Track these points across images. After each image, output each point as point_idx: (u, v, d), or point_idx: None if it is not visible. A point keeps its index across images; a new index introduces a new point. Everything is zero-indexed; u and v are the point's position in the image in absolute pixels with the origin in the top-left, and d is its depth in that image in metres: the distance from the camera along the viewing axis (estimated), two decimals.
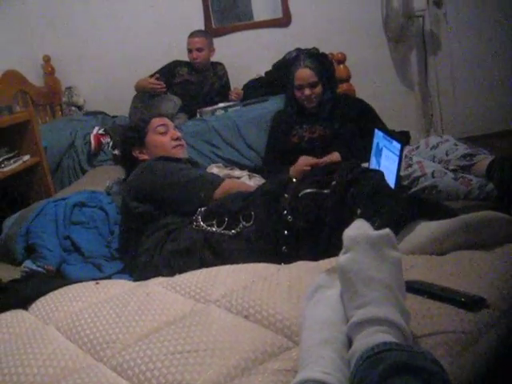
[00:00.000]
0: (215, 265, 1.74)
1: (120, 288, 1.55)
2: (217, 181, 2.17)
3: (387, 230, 1.11)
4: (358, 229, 1.14)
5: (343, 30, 4.11)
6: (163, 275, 1.74)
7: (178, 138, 2.40)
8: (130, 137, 2.41)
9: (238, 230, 1.87)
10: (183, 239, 1.92)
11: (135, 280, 1.92)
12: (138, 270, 1.96)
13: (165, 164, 2.22)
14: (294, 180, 1.91)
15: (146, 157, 2.35)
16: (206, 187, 2.12)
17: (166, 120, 2.45)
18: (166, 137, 2.37)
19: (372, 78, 4.04)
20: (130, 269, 2.07)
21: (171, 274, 1.71)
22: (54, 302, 1.51)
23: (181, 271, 1.74)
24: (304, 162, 2.71)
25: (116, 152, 3.20)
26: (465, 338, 1.04)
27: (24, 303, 1.55)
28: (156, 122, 2.41)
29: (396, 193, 1.76)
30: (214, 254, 1.84)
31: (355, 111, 2.99)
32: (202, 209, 2.01)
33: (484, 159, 2.44)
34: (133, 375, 1.11)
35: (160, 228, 2.03)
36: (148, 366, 1.11)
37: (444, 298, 1.15)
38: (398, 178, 2.25)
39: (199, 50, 3.74)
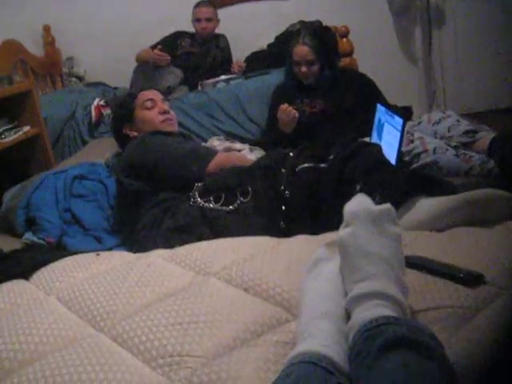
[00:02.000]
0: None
1: (121, 259, 1.56)
2: (210, 154, 2.13)
3: (388, 205, 1.11)
4: (358, 203, 1.14)
5: (347, 2, 4.07)
6: None
7: (165, 112, 2.33)
8: (119, 114, 2.39)
9: (236, 205, 1.86)
10: (181, 216, 1.91)
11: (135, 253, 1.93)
12: (137, 246, 1.93)
13: (155, 139, 2.18)
14: (291, 154, 1.90)
15: (135, 133, 2.31)
16: (198, 161, 2.08)
17: (153, 93, 2.39)
18: (154, 111, 2.31)
19: (375, 52, 4.01)
20: (129, 245, 2.05)
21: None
22: (54, 273, 1.52)
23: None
24: (281, 113, 2.74)
25: None
26: (462, 313, 1.05)
27: (25, 273, 1.56)
28: (143, 96, 2.35)
29: (396, 168, 1.75)
30: (212, 230, 1.83)
31: (357, 85, 2.97)
32: (199, 184, 1.99)
33: (486, 136, 2.44)
34: (132, 345, 1.12)
35: (156, 204, 2.02)
36: (148, 337, 1.12)
37: (442, 274, 1.16)
38: (400, 153, 2.25)
39: (208, 19, 3.71)
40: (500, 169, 2.27)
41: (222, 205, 1.87)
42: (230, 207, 1.86)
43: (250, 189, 1.86)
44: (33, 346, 1.17)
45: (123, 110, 2.36)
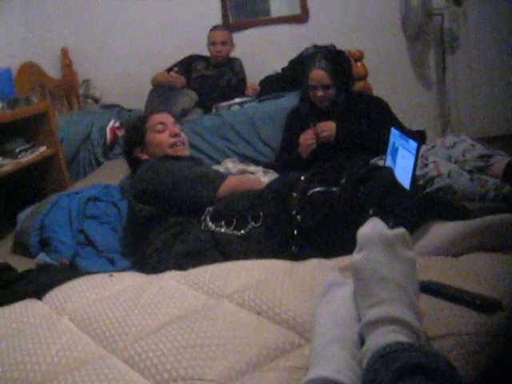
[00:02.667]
0: None
1: (133, 281, 1.56)
2: (220, 178, 2.12)
3: (402, 230, 1.10)
4: (372, 227, 1.13)
5: (361, 27, 4.09)
6: None
7: (176, 135, 2.31)
8: (130, 136, 2.37)
9: (247, 230, 1.85)
10: (192, 240, 1.90)
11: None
12: (149, 269, 1.92)
13: (166, 163, 2.17)
14: (302, 178, 1.89)
15: (146, 157, 2.30)
16: (208, 185, 2.07)
17: (164, 116, 2.38)
18: (164, 134, 2.30)
19: (389, 76, 4.02)
20: (141, 268, 2.03)
21: None
22: (67, 293, 1.52)
23: None
24: (303, 138, 2.75)
25: None
26: (479, 340, 1.03)
27: (38, 293, 1.56)
28: (154, 119, 2.34)
29: (410, 192, 1.74)
30: (224, 255, 1.82)
31: (371, 108, 2.97)
32: (210, 208, 1.98)
33: (501, 160, 2.42)
34: (144, 368, 1.11)
35: (167, 229, 2.01)
36: (160, 360, 1.11)
37: (458, 300, 1.14)
38: (414, 177, 2.24)
39: (223, 43, 3.75)
40: None
41: (233, 229, 1.86)
42: (242, 232, 1.85)
43: (261, 213, 1.85)
44: (44, 367, 1.17)
45: (134, 132, 2.35)
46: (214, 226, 1.89)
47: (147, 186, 2.09)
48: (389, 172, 1.76)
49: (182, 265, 1.80)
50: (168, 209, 2.05)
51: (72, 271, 1.78)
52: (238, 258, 1.72)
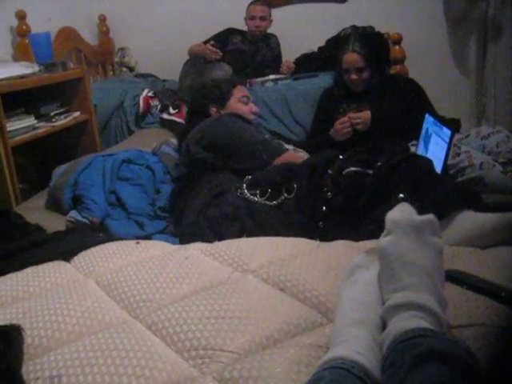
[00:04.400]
0: (255, 233, 1.83)
1: (160, 249, 1.58)
2: (280, 149, 2.29)
3: (431, 216, 1.09)
4: (401, 212, 1.13)
5: (401, 9, 4.00)
6: (206, 236, 1.88)
7: (255, 113, 2.55)
8: (213, 93, 2.52)
9: (280, 201, 1.92)
10: (227, 205, 1.99)
11: (179, 237, 2.09)
12: (184, 229, 2.07)
13: (239, 120, 2.33)
14: (341, 157, 1.90)
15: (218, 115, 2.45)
16: (270, 151, 2.23)
17: (247, 92, 2.60)
18: (247, 108, 2.51)
19: (427, 61, 3.94)
20: (176, 227, 2.18)
21: (214, 236, 1.85)
22: (95, 257, 1.55)
23: (223, 235, 1.86)
24: (339, 125, 2.77)
25: (164, 115, 3.23)
26: (501, 332, 1.03)
27: (66, 255, 1.59)
28: (241, 90, 2.56)
29: (442, 180, 1.73)
30: (254, 222, 1.90)
31: (405, 91, 2.93)
32: (249, 177, 2.07)
33: None
34: (166, 335, 1.13)
35: (206, 190, 2.11)
36: (182, 328, 1.13)
37: (484, 291, 1.13)
38: (446, 165, 2.22)
39: (262, 18, 3.72)
40: None
41: (266, 199, 1.94)
42: (274, 202, 1.92)
43: (295, 186, 1.91)
44: (70, 327, 1.20)
45: (219, 91, 2.51)
46: (248, 194, 1.98)
47: (214, 133, 2.25)
48: (428, 162, 1.76)
49: (215, 226, 1.95)
50: (223, 161, 2.21)
51: (100, 235, 1.80)
52: (267, 227, 1.84)
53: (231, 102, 2.50)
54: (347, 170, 1.81)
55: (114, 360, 1.03)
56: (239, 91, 2.54)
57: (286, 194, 1.92)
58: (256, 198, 1.95)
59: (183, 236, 2.09)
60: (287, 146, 2.66)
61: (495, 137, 2.53)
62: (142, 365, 1.02)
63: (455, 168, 2.37)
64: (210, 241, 1.88)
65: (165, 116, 3.25)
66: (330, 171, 1.87)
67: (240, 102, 2.51)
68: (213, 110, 2.49)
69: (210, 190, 2.10)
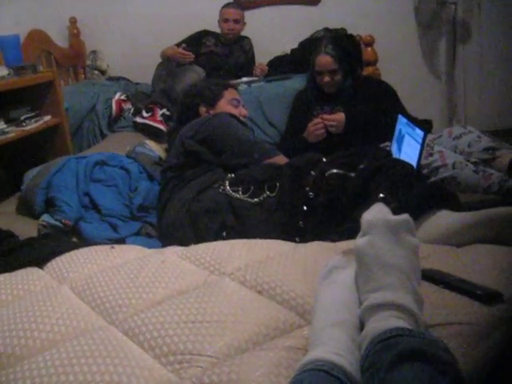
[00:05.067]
0: (235, 229, 1.87)
1: (135, 254, 1.56)
2: (273, 152, 2.31)
3: (406, 216, 1.10)
4: (376, 213, 1.13)
5: (373, 12, 4.04)
6: (186, 231, 1.92)
7: (245, 116, 2.56)
8: (204, 94, 2.54)
9: (261, 199, 1.94)
10: (208, 200, 2.01)
11: (159, 231, 2.14)
12: (165, 221, 2.10)
13: (231, 120, 2.36)
14: (324, 160, 1.92)
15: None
16: (262, 152, 2.25)
17: (238, 95, 2.63)
18: (236, 110, 2.52)
19: (399, 63, 3.98)
20: (158, 219, 2.21)
21: (194, 231, 1.90)
22: (68, 263, 1.52)
23: (203, 230, 1.91)
24: (312, 126, 2.77)
25: (137, 119, 3.21)
26: (478, 330, 1.03)
27: (39, 261, 1.56)
28: (232, 93, 2.59)
29: (422, 181, 1.75)
30: (236, 218, 1.92)
31: (378, 93, 2.95)
32: (231, 175, 2.09)
33: (506, 154, 2.42)
34: (144, 340, 1.12)
35: (193, 185, 2.12)
36: (159, 333, 1.12)
37: (460, 289, 1.15)
38: (419, 166, 2.24)
39: (236, 21, 3.72)
40: None
41: (248, 196, 1.95)
42: (256, 199, 1.94)
43: (277, 184, 1.93)
44: (44, 335, 1.17)
45: (210, 92, 2.54)
46: (230, 191, 1.99)
47: (209, 128, 2.27)
48: (409, 166, 1.79)
49: (195, 221, 1.96)
50: (214, 156, 2.23)
51: (73, 241, 1.78)
52: (248, 224, 1.87)
53: (221, 103, 2.52)
54: (330, 172, 1.83)
55: (91, 367, 1.01)
56: (230, 94, 2.57)
57: (268, 192, 1.93)
58: (238, 195, 1.97)
59: (164, 229, 2.13)
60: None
61: (467, 137, 2.56)
62: (119, 372, 1.00)
63: (428, 168, 2.40)
64: (189, 236, 1.91)
65: (138, 119, 3.22)
66: (312, 172, 1.88)
67: (230, 105, 2.53)
68: (202, 109, 2.51)
69: (194, 187, 2.12)
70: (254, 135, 2.49)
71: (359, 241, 1.09)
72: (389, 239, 1.06)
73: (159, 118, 3.13)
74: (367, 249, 1.07)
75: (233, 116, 2.41)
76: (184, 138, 2.28)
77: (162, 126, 3.13)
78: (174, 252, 1.54)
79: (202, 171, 2.19)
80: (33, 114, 2.88)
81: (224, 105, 2.52)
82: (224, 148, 2.24)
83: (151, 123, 3.16)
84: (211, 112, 2.49)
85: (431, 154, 2.44)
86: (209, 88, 2.57)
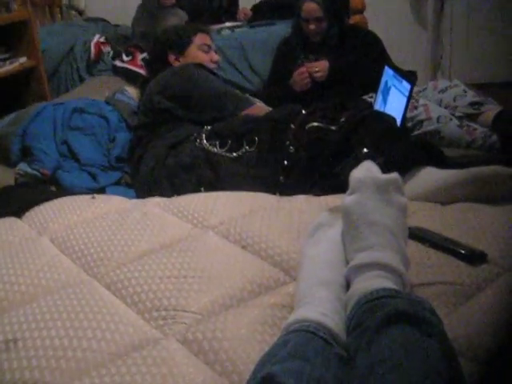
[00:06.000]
0: (213, 184, 1.81)
1: (117, 205, 1.53)
2: (249, 102, 2.23)
3: (395, 174, 1.09)
4: (365, 171, 1.11)
5: None
6: (163, 187, 1.86)
7: (216, 62, 2.46)
8: (172, 40, 2.42)
9: (240, 153, 1.88)
10: (185, 155, 1.94)
11: (135, 187, 2.05)
12: (140, 179, 2.03)
13: (201, 71, 2.25)
14: (304, 112, 1.87)
15: (178, 64, 2.37)
16: (237, 103, 2.17)
17: (210, 40, 2.48)
18: (207, 56, 2.41)
19: (386, 12, 3.90)
20: (132, 177, 2.13)
21: (171, 187, 1.84)
22: (48, 213, 1.49)
23: (180, 186, 1.85)
24: (297, 75, 2.71)
25: (117, 63, 3.11)
26: (462, 290, 1.04)
27: (18, 211, 1.52)
28: (202, 37, 2.44)
29: (405, 135, 1.73)
30: (214, 173, 1.87)
31: (364, 43, 2.90)
32: (208, 127, 2.02)
33: (491, 110, 2.40)
34: (126, 295, 1.10)
35: (166, 139, 2.05)
36: (142, 288, 1.10)
37: (445, 249, 1.15)
38: (404, 119, 2.22)
39: None
40: (502, 144, 2.25)
41: (226, 151, 1.89)
42: (234, 154, 1.88)
43: (256, 138, 1.87)
44: (24, 288, 1.15)
45: (179, 38, 2.41)
46: (207, 145, 1.93)
47: (179, 82, 2.18)
48: (392, 119, 1.75)
49: (172, 177, 1.91)
50: (186, 112, 2.14)
51: (53, 190, 1.73)
52: (226, 179, 1.81)
53: (190, 50, 2.40)
54: (310, 125, 1.78)
55: (73, 322, 1.00)
56: (200, 39, 2.44)
57: (246, 147, 1.87)
58: (215, 149, 1.91)
59: (139, 186, 2.05)
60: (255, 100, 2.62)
61: (452, 91, 2.53)
62: (102, 327, 0.99)
63: (412, 121, 2.38)
64: (166, 192, 1.87)
65: (118, 63, 3.12)
66: (292, 125, 1.83)
67: (200, 50, 2.41)
68: (171, 57, 2.40)
69: (169, 140, 2.05)
70: (225, 84, 2.40)
71: (347, 199, 1.07)
72: (377, 198, 1.05)
73: (140, 63, 3.03)
74: (355, 207, 1.05)
75: (202, 66, 2.30)
76: (152, 95, 2.19)
77: (142, 71, 3.04)
78: (156, 204, 1.51)
79: (175, 126, 2.11)
80: (7, 55, 2.78)
81: (194, 51, 2.40)
82: (195, 103, 2.15)
83: (131, 68, 3.06)
84: (181, 60, 2.38)
85: (416, 107, 2.42)
86: (177, 33, 2.45)
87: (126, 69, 3.06)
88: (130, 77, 3.02)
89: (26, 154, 2.12)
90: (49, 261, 1.24)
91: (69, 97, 2.71)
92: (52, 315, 1.03)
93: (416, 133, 2.37)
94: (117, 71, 3.13)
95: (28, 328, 1.00)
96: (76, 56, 3.23)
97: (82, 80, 3.19)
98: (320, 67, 2.71)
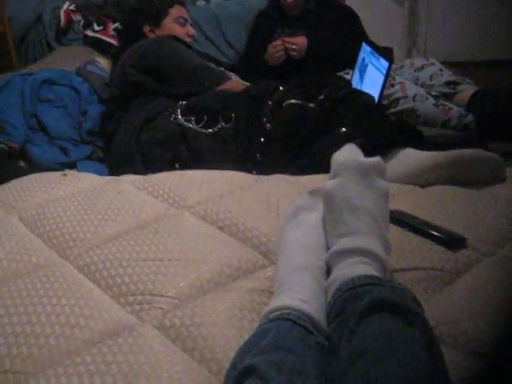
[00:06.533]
0: (188, 161, 1.77)
1: (89, 183, 1.48)
2: (225, 76, 2.17)
3: (378, 158, 1.07)
4: (348, 154, 1.09)
5: None
6: (136, 163, 1.82)
7: (192, 36, 2.42)
8: (147, 11, 2.36)
9: (216, 129, 1.83)
10: (159, 130, 1.90)
11: (108, 162, 2.01)
12: (113, 154, 1.98)
13: (177, 44, 2.20)
14: (281, 88, 1.83)
15: (153, 35, 2.32)
16: (212, 78, 2.12)
17: (186, 13, 2.44)
18: (183, 30, 2.37)
19: None
20: (104, 152, 2.07)
21: (144, 162, 1.81)
22: (17, 191, 1.43)
23: (154, 161, 1.80)
24: (272, 48, 2.67)
25: (88, 32, 3.01)
26: (442, 276, 1.04)
27: None
28: (178, 10, 2.39)
29: (384, 115, 1.71)
30: (189, 149, 1.83)
31: (342, 18, 2.87)
32: (183, 102, 1.97)
33: (467, 89, 2.41)
34: (100, 278, 1.07)
35: (140, 112, 2.00)
36: (117, 271, 1.07)
37: (425, 233, 1.14)
38: (381, 97, 2.20)
39: None
40: (477, 124, 2.25)
41: (202, 127, 1.85)
42: (210, 130, 1.84)
43: (232, 115, 1.83)
44: None
45: (154, 10, 2.36)
46: (183, 120, 1.89)
47: (153, 54, 2.12)
48: (371, 98, 1.73)
49: (146, 152, 1.87)
50: (160, 85, 2.09)
51: (21, 166, 1.68)
52: (201, 156, 1.78)
53: (166, 22, 2.34)
54: (287, 102, 1.75)
55: (45, 307, 0.96)
56: (176, 11, 2.38)
57: (223, 123, 1.83)
58: (191, 125, 1.86)
59: (112, 161, 2.00)
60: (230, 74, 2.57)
61: (429, 69, 2.53)
62: (76, 313, 0.95)
63: (389, 99, 2.37)
64: (140, 168, 1.82)
65: (89, 33, 3.01)
66: (269, 102, 1.79)
67: (176, 23, 2.36)
68: (146, 28, 2.34)
69: (143, 114, 1.99)
70: (201, 58, 2.35)
71: (329, 183, 1.05)
72: (360, 183, 1.03)
73: (111, 33, 2.94)
74: (337, 192, 1.03)
75: (177, 39, 2.25)
76: (125, 67, 2.12)
77: (114, 41, 2.95)
78: (130, 182, 1.47)
79: (149, 100, 2.06)
80: None
81: (170, 23, 2.36)
82: (170, 76, 2.10)
83: (103, 37, 2.97)
84: (156, 32, 2.33)
85: (392, 85, 2.41)
86: (153, 4, 2.38)
87: (97, 38, 2.97)
88: (101, 47, 2.93)
89: None
90: (18, 241, 1.20)
91: (37, 67, 2.61)
92: (23, 300, 0.99)
93: (392, 111, 2.36)
94: (87, 41, 3.03)
95: None
96: (45, 24, 3.11)
97: (51, 49, 3.07)
98: (298, 44, 2.66)
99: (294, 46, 2.66)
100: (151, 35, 2.32)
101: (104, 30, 2.96)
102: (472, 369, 0.85)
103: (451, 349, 0.88)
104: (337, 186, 1.04)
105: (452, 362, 0.84)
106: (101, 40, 2.95)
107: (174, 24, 2.35)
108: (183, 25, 2.38)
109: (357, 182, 1.03)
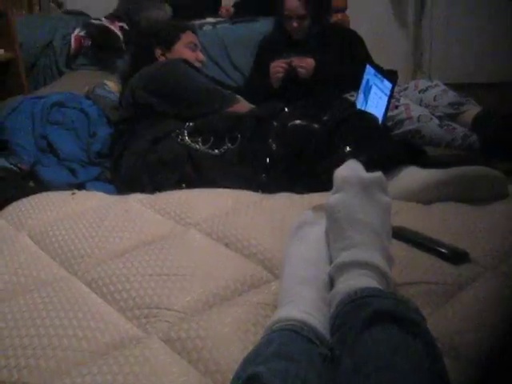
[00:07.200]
0: (195, 181, 1.79)
1: (97, 201, 1.50)
2: (234, 99, 2.22)
3: (379, 174, 1.08)
4: (350, 169, 1.11)
5: None
6: (144, 184, 1.83)
7: (201, 62, 2.46)
8: (160, 35, 2.41)
9: (222, 150, 1.86)
10: (167, 152, 1.92)
11: (116, 183, 2.03)
12: (121, 175, 2.01)
13: (188, 68, 2.25)
14: (286, 109, 1.86)
15: (163, 59, 2.37)
16: (222, 100, 2.16)
17: (197, 39, 2.50)
18: (193, 55, 2.41)
19: (368, 11, 3.92)
20: (113, 172, 2.10)
21: (152, 183, 1.82)
22: (27, 209, 1.46)
23: (161, 183, 1.81)
24: (272, 66, 2.71)
25: (93, 21, 3.07)
26: (445, 290, 1.04)
27: None
28: (190, 36, 2.45)
29: (388, 135, 1.73)
30: (196, 170, 1.85)
31: (346, 42, 2.91)
32: (190, 124, 1.99)
33: (471, 110, 2.44)
34: (107, 293, 1.09)
35: (147, 134, 2.03)
36: (124, 286, 1.09)
37: (428, 249, 1.15)
38: (385, 118, 2.23)
39: None
40: (481, 144, 2.27)
41: (209, 147, 1.88)
42: (216, 151, 1.86)
43: (238, 136, 1.85)
44: (2, 285, 1.13)
45: (167, 34, 2.41)
46: (189, 141, 1.91)
47: (163, 77, 2.16)
48: (374, 118, 1.75)
49: (153, 173, 1.89)
50: (169, 107, 2.12)
51: (31, 186, 1.71)
52: (208, 177, 1.79)
53: (177, 47, 2.39)
54: (292, 123, 1.78)
55: (53, 321, 0.98)
56: (188, 36, 2.44)
57: (229, 144, 1.86)
58: (197, 146, 1.89)
59: (120, 182, 2.03)
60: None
61: (433, 90, 2.56)
62: (83, 326, 0.97)
63: (393, 120, 2.40)
64: (147, 188, 1.84)
65: (94, 21, 3.08)
66: (275, 123, 1.82)
67: (187, 48, 2.41)
68: (158, 52, 2.38)
69: (150, 135, 2.02)
70: (210, 82, 2.40)
71: (331, 198, 1.07)
72: (362, 197, 1.05)
73: (118, 25, 3.01)
74: (340, 206, 1.05)
75: (187, 62, 2.30)
76: (135, 89, 2.16)
77: (120, 33, 3.01)
78: (137, 200, 1.49)
79: (157, 122, 2.09)
80: None
81: (181, 48, 2.40)
82: (181, 99, 2.14)
83: (109, 26, 3.02)
84: (167, 56, 2.37)
85: (397, 107, 2.44)
86: (166, 29, 2.45)
87: (103, 26, 3.02)
88: (105, 37, 2.99)
89: (4, 148, 2.09)
90: (27, 258, 1.22)
91: (47, 91, 2.67)
92: (31, 313, 1.01)
93: (397, 132, 2.38)
94: (91, 30, 3.08)
95: (6, 326, 0.98)
96: (55, 49, 3.18)
97: (60, 74, 3.14)
98: (307, 63, 2.71)
99: (303, 64, 2.70)
100: (161, 59, 2.37)
101: (111, 23, 3.03)
102: (474, 380, 0.86)
103: (454, 360, 0.89)
104: (339, 200, 1.05)
105: (454, 373, 0.85)
106: (107, 28, 2.99)
107: (185, 49, 2.40)
108: (193, 50, 2.43)
109: (359, 197, 1.05)
